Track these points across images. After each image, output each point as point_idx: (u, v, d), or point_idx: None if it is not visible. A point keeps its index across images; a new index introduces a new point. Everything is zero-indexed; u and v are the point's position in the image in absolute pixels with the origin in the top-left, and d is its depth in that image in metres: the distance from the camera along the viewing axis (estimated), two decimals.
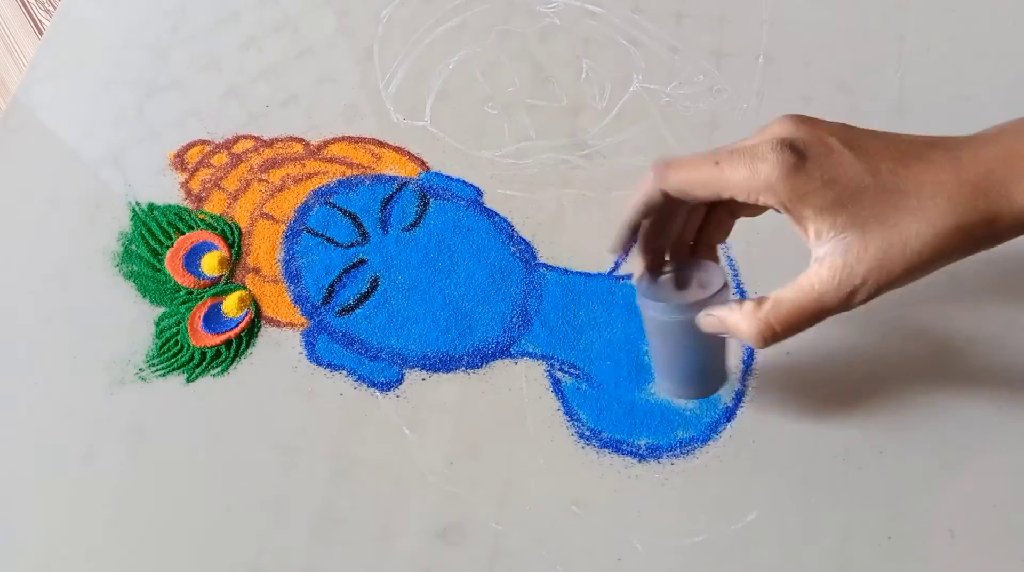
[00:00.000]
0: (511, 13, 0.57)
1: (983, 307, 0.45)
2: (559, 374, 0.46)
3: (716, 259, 0.39)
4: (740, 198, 0.32)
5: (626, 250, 0.38)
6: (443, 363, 0.46)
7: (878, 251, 0.30)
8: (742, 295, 0.47)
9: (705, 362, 0.40)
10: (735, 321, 0.34)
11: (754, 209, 0.34)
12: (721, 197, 0.32)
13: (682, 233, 0.38)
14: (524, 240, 0.49)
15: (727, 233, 0.38)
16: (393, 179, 0.52)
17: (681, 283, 0.38)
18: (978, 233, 0.30)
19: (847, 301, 0.31)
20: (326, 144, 0.53)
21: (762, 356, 0.45)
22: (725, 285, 0.36)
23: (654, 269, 0.39)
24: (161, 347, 0.47)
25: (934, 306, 0.46)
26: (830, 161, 0.31)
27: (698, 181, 0.32)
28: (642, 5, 0.56)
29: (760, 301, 0.33)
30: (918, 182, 0.30)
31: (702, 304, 0.36)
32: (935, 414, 0.43)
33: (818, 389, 0.44)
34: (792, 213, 0.31)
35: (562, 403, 0.45)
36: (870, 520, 0.41)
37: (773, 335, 0.33)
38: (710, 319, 0.35)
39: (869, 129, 0.32)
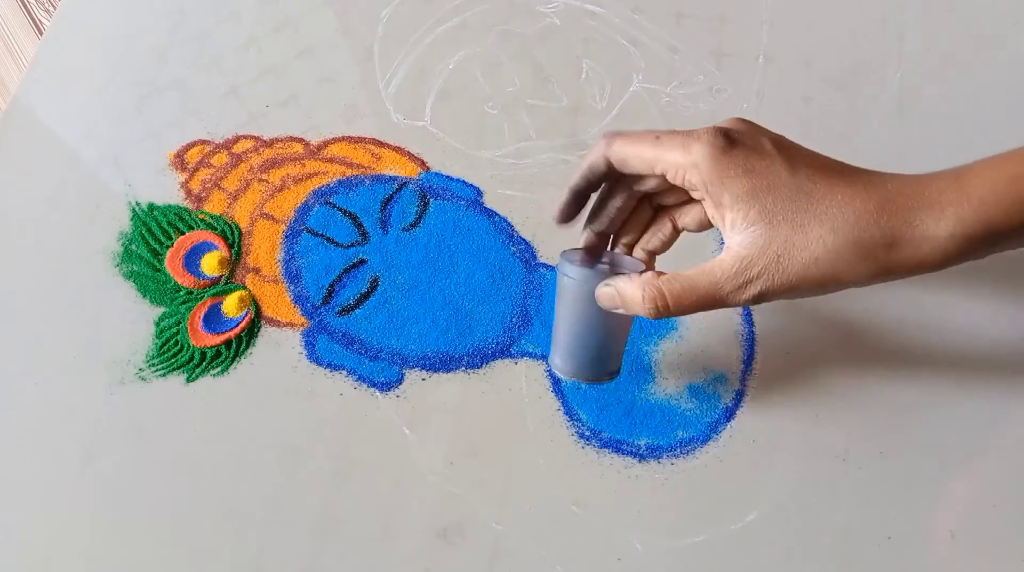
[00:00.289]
0: (511, 13, 0.57)
1: (983, 308, 0.45)
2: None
3: (652, 266, 0.40)
4: (669, 174, 0.34)
5: (567, 218, 0.39)
6: (443, 363, 0.46)
7: (779, 248, 0.32)
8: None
9: (598, 342, 0.39)
10: (631, 291, 0.35)
11: (678, 193, 0.37)
12: (654, 171, 0.34)
13: (614, 217, 0.39)
14: (524, 240, 0.49)
15: (668, 244, 0.39)
16: (393, 179, 0.52)
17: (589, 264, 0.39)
18: (877, 253, 0.31)
19: (738, 293, 0.33)
20: (326, 144, 0.53)
21: (762, 356, 0.45)
22: (633, 264, 0.38)
23: (593, 253, 0.39)
24: (161, 347, 0.47)
25: (934, 307, 0.46)
26: (756, 154, 0.33)
27: (637, 153, 0.34)
28: (642, 5, 0.56)
29: (658, 273, 0.35)
30: (830, 191, 0.32)
31: (609, 275, 0.37)
32: (935, 414, 0.43)
33: (818, 389, 0.44)
34: (711, 196, 0.33)
35: (562, 403, 0.45)
36: (870, 520, 0.41)
37: (664, 305, 0.34)
38: (607, 289, 0.36)
39: (803, 147, 0.34)
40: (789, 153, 0.33)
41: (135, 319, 0.48)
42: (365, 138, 0.53)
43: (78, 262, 0.50)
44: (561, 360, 0.40)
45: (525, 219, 0.50)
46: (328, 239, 0.50)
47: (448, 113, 0.54)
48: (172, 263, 0.50)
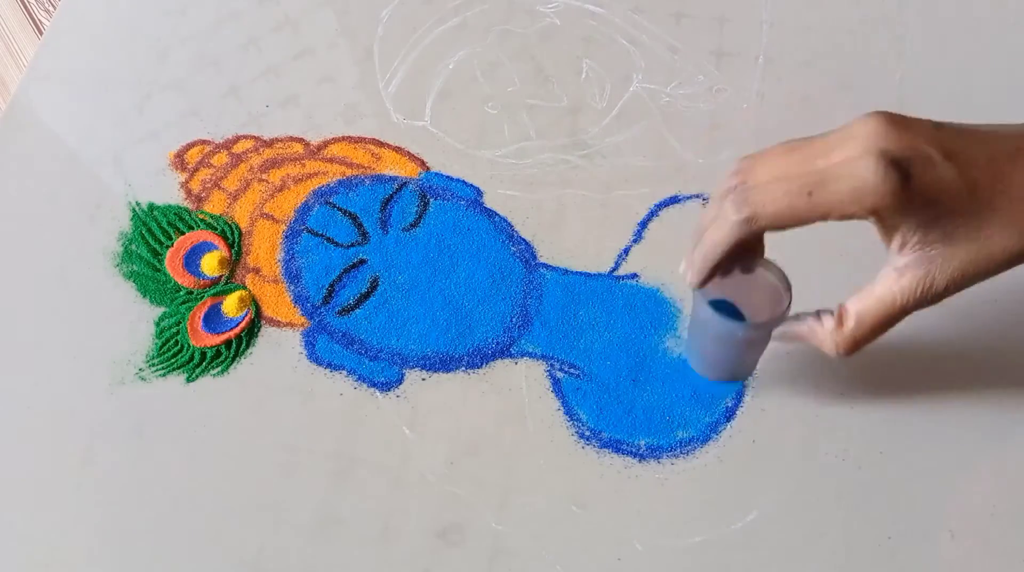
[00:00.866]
0: (511, 13, 0.57)
1: (984, 308, 0.45)
2: (559, 374, 0.46)
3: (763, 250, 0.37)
4: (838, 218, 0.30)
5: (705, 283, 0.36)
6: (443, 363, 0.46)
7: (963, 264, 0.31)
8: None
9: (746, 360, 0.42)
10: (818, 339, 0.35)
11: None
12: (818, 220, 0.31)
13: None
14: (524, 240, 0.49)
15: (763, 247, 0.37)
16: (393, 179, 0.52)
17: (725, 270, 0.36)
18: None
19: (922, 304, 0.32)
20: (326, 144, 0.53)
21: (762, 356, 0.45)
22: (789, 303, 0.36)
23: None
24: (161, 347, 0.47)
25: (934, 306, 0.46)
26: (931, 177, 0.29)
27: (792, 216, 0.30)
28: (642, 5, 0.56)
29: (841, 317, 0.33)
30: (1009, 196, 0.30)
31: (774, 322, 0.36)
32: (935, 414, 0.43)
33: (818, 389, 0.44)
34: (885, 226, 0.31)
35: (562, 403, 0.45)
36: (870, 520, 0.41)
37: (858, 347, 0.34)
38: (790, 335, 0.36)
39: (959, 127, 0.31)
40: (959, 158, 0.30)
41: (135, 319, 0.48)
42: (365, 138, 0.53)
43: (78, 262, 0.50)
44: (713, 373, 0.43)
45: (525, 219, 0.50)
46: (328, 239, 0.50)
47: (448, 113, 0.54)
48: (172, 263, 0.50)
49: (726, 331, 0.38)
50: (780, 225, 0.31)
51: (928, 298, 0.32)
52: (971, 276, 0.31)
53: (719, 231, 0.32)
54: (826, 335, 0.34)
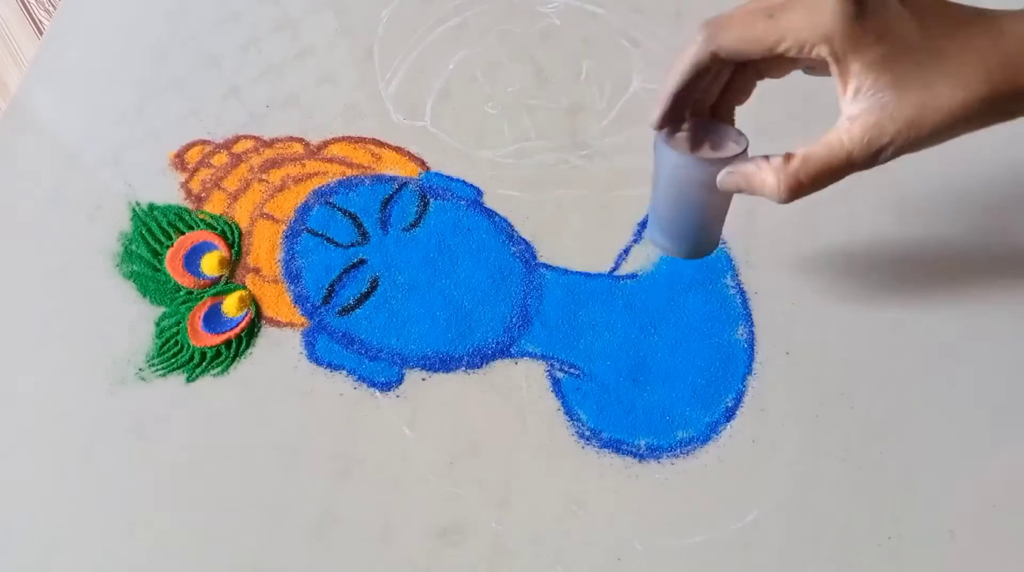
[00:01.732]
0: (511, 13, 0.57)
1: (983, 308, 0.45)
2: (559, 374, 0.46)
3: (732, 122, 0.39)
4: (793, 52, 0.32)
5: (667, 124, 0.37)
6: (443, 363, 0.46)
7: (911, 111, 0.31)
8: (744, 296, 0.47)
9: (704, 222, 0.40)
10: (761, 177, 0.34)
11: (787, 66, 0.35)
12: (774, 52, 0.32)
13: (707, 92, 0.37)
14: (524, 240, 0.49)
15: (748, 94, 0.38)
16: (393, 179, 0.52)
17: (696, 142, 0.38)
18: (1003, 105, 0.31)
19: (873, 159, 0.32)
20: (326, 144, 0.54)
21: (762, 356, 0.45)
22: (739, 138, 0.37)
23: (673, 124, 0.37)
24: (161, 347, 0.47)
25: (934, 306, 0.46)
26: (886, 14, 0.31)
27: (752, 38, 0.32)
28: (642, 5, 0.56)
29: (788, 157, 0.33)
30: (961, 47, 0.31)
31: (726, 161, 0.36)
32: (935, 414, 0.43)
33: (818, 389, 0.44)
34: (840, 65, 0.31)
35: (562, 403, 0.45)
36: (870, 520, 0.41)
37: (800, 189, 0.33)
38: (732, 177, 0.35)
39: None
40: (918, 7, 0.31)
41: (135, 319, 0.48)
42: (365, 138, 0.53)
43: (78, 262, 0.50)
44: (666, 240, 0.40)
45: (525, 219, 0.50)
46: (328, 239, 0.50)
47: (448, 113, 0.54)
48: (172, 263, 0.50)
49: (683, 171, 0.37)
50: (741, 47, 0.32)
51: (875, 149, 0.32)
52: (919, 128, 0.31)
53: (682, 55, 0.34)
54: (770, 172, 0.34)
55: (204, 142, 0.54)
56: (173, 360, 0.47)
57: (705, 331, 0.46)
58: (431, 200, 0.51)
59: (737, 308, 0.46)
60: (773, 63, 0.35)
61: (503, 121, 0.53)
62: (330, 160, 0.53)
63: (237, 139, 0.54)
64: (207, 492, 0.44)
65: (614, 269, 0.48)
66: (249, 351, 0.47)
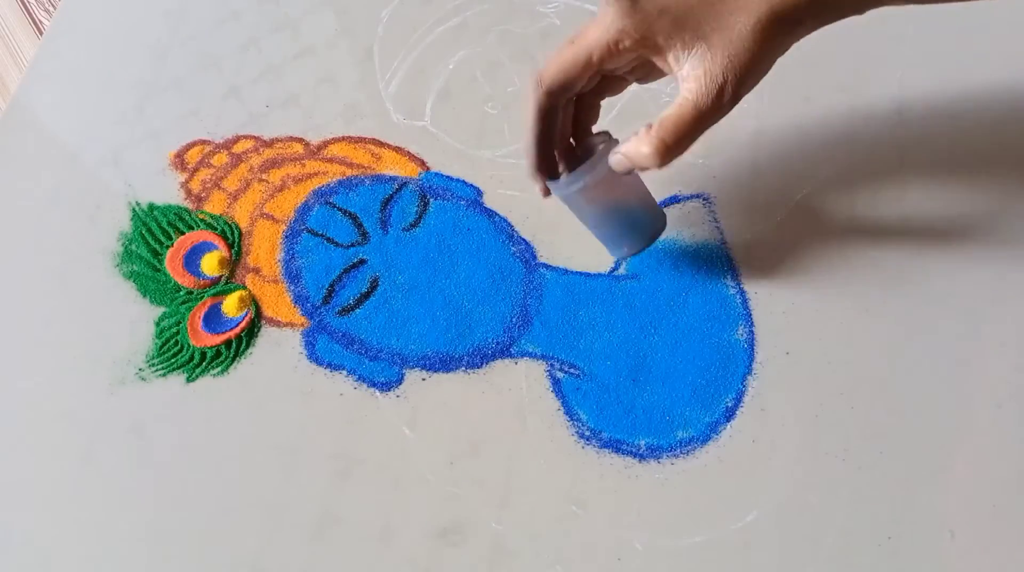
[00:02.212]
0: (511, 13, 0.57)
1: (984, 308, 0.45)
2: (559, 374, 0.46)
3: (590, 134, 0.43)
4: (607, 61, 0.36)
5: (548, 169, 0.41)
6: (443, 363, 0.46)
7: (725, 49, 0.35)
8: (744, 296, 0.47)
9: (630, 210, 0.43)
10: (635, 150, 0.37)
11: (618, 83, 0.40)
12: (592, 63, 0.36)
13: (563, 131, 0.41)
14: (524, 240, 0.49)
15: (597, 114, 0.43)
16: (393, 179, 0.52)
17: (578, 165, 0.41)
18: (789, 15, 0.35)
19: (718, 102, 0.35)
20: (326, 144, 0.54)
21: (762, 356, 0.45)
22: (608, 138, 0.41)
23: (549, 168, 0.41)
24: (161, 347, 0.47)
25: (934, 307, 0.46)
26: None
27: (568, 64, 0.37)
28: None
29: (649, 126, 0.37)
30: None
31: (599, 157, 0.40)
32: (935, 414, 0.43)
33: (818, 389, 0.44)
34: (649, 48, 0.36)
35: (562, 403, 0.45)
36: (870, 520, 0.41)
37: (667, 149, 0.36)
38: (618, 157, 0.39)
39: None
40: None
41: (135, 319, 0.48)
42: (365, 138, 0.53)
43: (78, 262, 0.50)
44: (621, 246, 0.44)
45: (525, 219, 0.50)
46: (328, 239, 0.50)
47: (448, 113, 0.54)
48: (172, 263, 0.50)
49: (574, 192, 0.41)
50: (562, 77, 0.37)
51: (713, 92, 0.35)
52: (737, 60, 0.35)
53: (525, 109, 0.39)
54: (641, 143, 0.37)
55: (204, 142, 0.54)
56: (173, 360, 0.47)
57: (705, 331, 0.46)
58: (431, 200, 0.51)
59: (737, 308, 0.46)
60: (605, 83, 0.40)
61: (503, 121, 0.53)
62: (330, 160, 0.53)
63: (237, 139, 0.54)
64: (207, 492, 0.44)
65: (614, 269, 0.48)
66: (249, 351, 0.47)
